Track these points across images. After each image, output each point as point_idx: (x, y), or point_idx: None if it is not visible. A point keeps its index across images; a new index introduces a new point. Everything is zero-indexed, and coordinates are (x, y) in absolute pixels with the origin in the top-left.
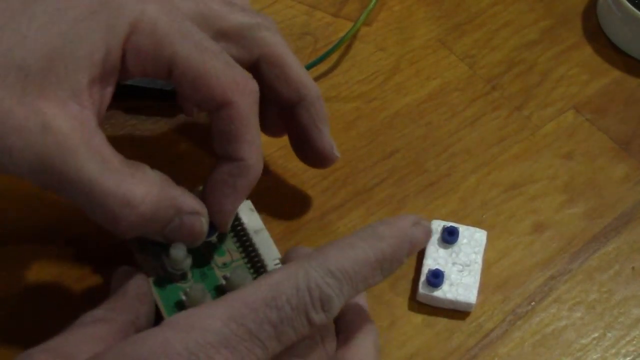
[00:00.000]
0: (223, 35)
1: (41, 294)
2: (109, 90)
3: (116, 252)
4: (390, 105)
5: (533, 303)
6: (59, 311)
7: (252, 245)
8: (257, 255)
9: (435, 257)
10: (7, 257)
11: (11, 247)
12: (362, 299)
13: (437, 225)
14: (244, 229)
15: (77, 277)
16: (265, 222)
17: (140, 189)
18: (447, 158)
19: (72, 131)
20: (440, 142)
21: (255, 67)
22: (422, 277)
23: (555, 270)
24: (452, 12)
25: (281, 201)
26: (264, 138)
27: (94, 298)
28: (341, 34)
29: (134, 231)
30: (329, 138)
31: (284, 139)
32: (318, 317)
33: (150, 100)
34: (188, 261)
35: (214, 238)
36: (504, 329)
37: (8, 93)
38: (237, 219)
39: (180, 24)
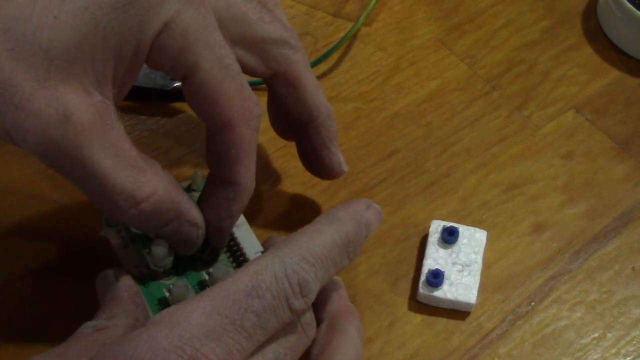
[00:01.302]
0: (246, 43)
1: (40, 297)
2: (130, 83)
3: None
4: (390, 105)
5: (533, 303)
6: (57, 316)
7: (234, 239)
8: (239, 248)
9: (435, 257)
10: (7, 257)
11: (11, 248)
12: (341, 289)
13: (437, 225)
14: None
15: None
16: (265, 222)
17: (148, 188)
18: (447, 158)
19: (92, 122)
20: (440, 142)
21: (271, 80)
22: (422, 277)
23: (555, 270)
24: (452, 12)
25: (281, 201)
26: (264, 137)
27: (93, 301)
28: (341, 34)
29: (131, 224)
30: (338, 156)
31: (284, 141)
32: (298, 302)
33: (150, 100)
34: (170, 258)
35: (204, 255)
36: (504, 329)
37: (31, 75)
38: None
39: (211, 34)
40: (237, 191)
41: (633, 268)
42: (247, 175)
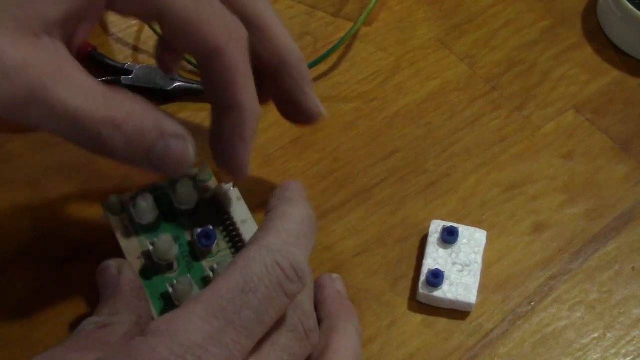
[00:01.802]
0: None
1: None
2: (88, 25)
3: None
4: (390, 105)
5: (533, 303)
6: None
7: (238, 235)
8: (244, 244)
9: (435, 257)
10: (6, 258)
11: (9, 250)
12: (340, 285)
13: (437, 225)
14: (230, 219)
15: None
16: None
17: (124, 107)
18: (447, 158)
19: (49, 65)
20: (440, 142)
21: None
22: (422, 277)
23: (555, 270)
24: (452, 12)
25: None
26: (264, 137)
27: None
28: (341, 34)
29: (121, 154)
30: (314, 98)
31: (284, 141)
32: (294, 286)
33: (150, 100)
34: (174, 251)
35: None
36: (504, 329)
37: None
38: (225, 209)
39: None
40: (242, 114)
41: (633, 268)
42: (248, 96)
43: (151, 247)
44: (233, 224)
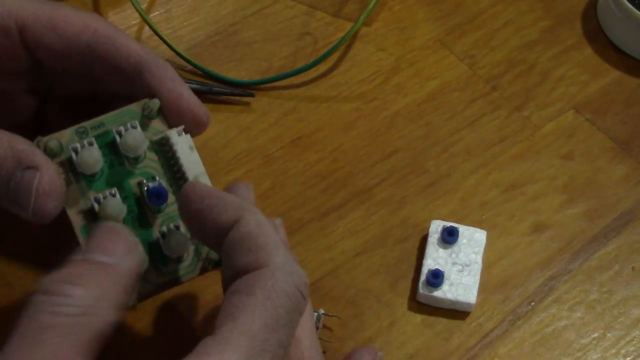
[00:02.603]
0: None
1: None
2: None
3: None
4: (390, 105)
5: (533, 303)
6: None
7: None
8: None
9: (435, 257)
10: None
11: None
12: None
13: (437, 225)
14: (182, 172)
15: None
16: None
17: None
18: (447, 158)
19: None
20: (440, 142)
21: (83, 56)
22: (422, 277)
23: (555, 270)
24: (452, 12)
25: (281, 201)
26: (264, 137)
27: None
28: (341, 34)
29: None
30: (195, 98)
31: (284, 141)
32: (305, 302)
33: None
34: (122, 213)
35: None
36: (504, 329)
37: None
38: (175, 156)
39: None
40: (152, 63)
41: (633, 268)
42: (141, 48)
43: (96, 206)
44: (184, 179)
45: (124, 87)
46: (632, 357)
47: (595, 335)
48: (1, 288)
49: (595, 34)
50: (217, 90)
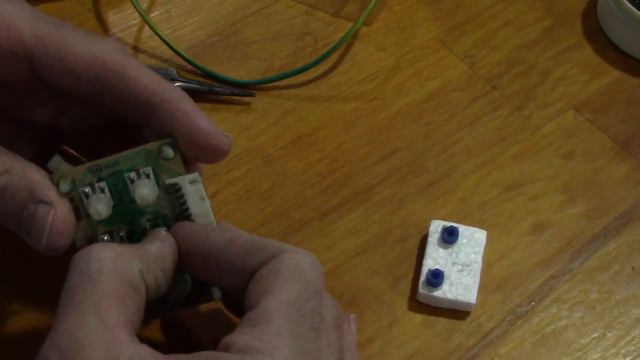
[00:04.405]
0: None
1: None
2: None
3: None
4: (390, 105)
5: (533, 303)
6: None
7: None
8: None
9: (435, 257)
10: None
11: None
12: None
13: (437, 225)
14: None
15: None
16: (265, 222)
17: (1, 166)
18: (447, 158)
19: None
20: (440, 142)
21: (93, 88)
22: (422, 277)
23: (555, 270)
24: (452, 12)
25: (281, 201)
26: (264, 137)
27: None
28: (341, 34)
29: None
30: (216, 126)
31: (284, 141)
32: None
33: None
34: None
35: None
36: (504, 329)
37: None
38: (186, 204)
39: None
40: (170, 94)
41: (633, 268)
42: (159, 81)
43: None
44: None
45: (138, 118)
46: (632, 357)
47: (595, 335)
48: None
49: (595, 34)
50: (217, 90)
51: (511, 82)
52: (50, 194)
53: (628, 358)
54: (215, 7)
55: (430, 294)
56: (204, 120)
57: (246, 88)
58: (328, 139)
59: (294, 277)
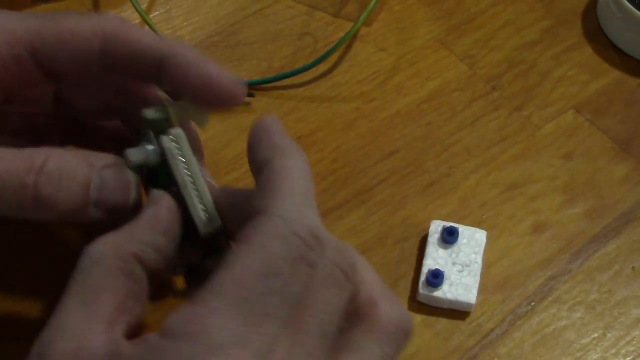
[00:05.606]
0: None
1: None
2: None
3: None
4: (390, 105)
5: (533, 303)
6: None
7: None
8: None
9: (435, 257)
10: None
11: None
12: (274, 126)
13: (437, 225)
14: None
15: None
16: None
17: (40, 154)
18: (447, 158)
19: None
20: (440, 142)
21: (101, 63)
22: (422, 277)
23: (555, 270)
24: (452, 12)
25: None
26: None
27: None
28: (341, 34)
29: (56, 203)
30: (225, 72)
31: None
32: (315, 254)
33: None
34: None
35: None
36: (504, 329)
37: None
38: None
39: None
40: (176, 50)
41: (633, 268)
42: (162, 39)
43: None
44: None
45: (150, 80)
46: (632, 357)
47: (595, 335)
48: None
49: (595, 34)
50: None
51: (511, 82)
52: (107, 157)
53: (628, 358)
54: (215, 7)
55: (430, 294)
56: (214, 68)
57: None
58: (328, 139)
59: (259, 250)
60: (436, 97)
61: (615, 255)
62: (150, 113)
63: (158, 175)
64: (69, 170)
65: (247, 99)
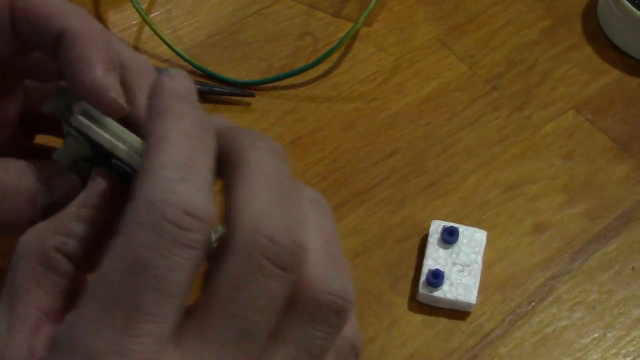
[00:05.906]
0: None
1: None
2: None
3: None
4: (390, 105)
5: (533, 303)
6: None
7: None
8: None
9: (435, 257)
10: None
11: None
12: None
13: (437, 225)
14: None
15: None
16: None
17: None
18: (447, 158)
19: None
20: (440, 142)
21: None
22: (422, 277)
23: (555, 270)
24: (452, 12)
25: None
26: None
27: None
28: (341, 34)
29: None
30: (105, 79)
31: (284, 141)
32: (194, 233)
33: None
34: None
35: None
36: (504, 329)
37: None
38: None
39: None
40: (68, 37)
41: (633, 268)
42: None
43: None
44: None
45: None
46: (632, 357)
47: (595, 335)
48: None
49: (595, 34)
50: (217, 90)
51: (511, 82)
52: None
53: (628, 358)
54: (215, 7)
55: (431, 294)
56: (99, 69)
57: (246, 88)
58: (328, 139)
59: (124, 244)
60: (436, 97)
61: (615, 255)
62: (49, 106)
63: (103, 153)
64: (13, 185)
65: (247, 99)
